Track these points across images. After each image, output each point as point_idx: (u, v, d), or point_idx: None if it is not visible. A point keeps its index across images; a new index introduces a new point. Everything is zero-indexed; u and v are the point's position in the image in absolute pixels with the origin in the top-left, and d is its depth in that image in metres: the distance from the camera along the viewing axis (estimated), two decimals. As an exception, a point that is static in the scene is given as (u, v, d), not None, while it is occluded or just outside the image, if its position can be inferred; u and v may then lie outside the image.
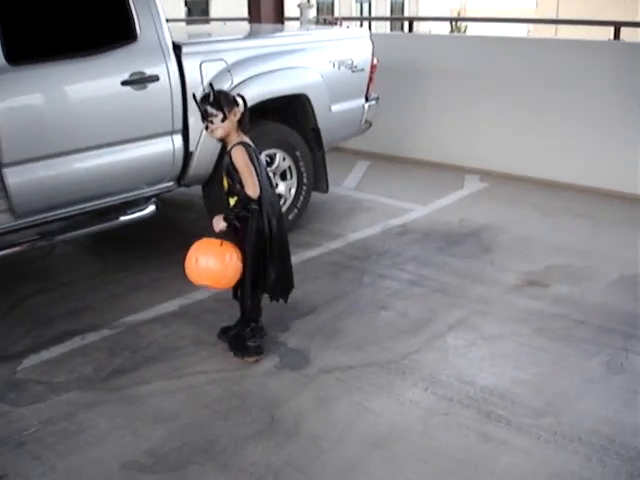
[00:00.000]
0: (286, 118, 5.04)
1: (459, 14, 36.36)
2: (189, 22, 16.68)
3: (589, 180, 6.17)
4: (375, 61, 5.60)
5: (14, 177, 3.69)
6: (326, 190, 5.40)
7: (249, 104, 4.50)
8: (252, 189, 3.33)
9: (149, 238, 5.08)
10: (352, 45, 5.50)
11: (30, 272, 4.59)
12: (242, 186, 3.34)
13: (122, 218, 4.27)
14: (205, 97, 3.35)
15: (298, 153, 5.04)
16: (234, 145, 3.34)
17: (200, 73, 4.38)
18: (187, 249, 3.44)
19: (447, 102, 6.92)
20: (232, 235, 3.43)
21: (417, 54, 7.11)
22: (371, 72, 5.57)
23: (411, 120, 7.18)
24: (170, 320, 3.95)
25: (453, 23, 29.95)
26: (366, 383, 3.31)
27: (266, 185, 3.41)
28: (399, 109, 7.06)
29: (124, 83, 4.01)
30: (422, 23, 26.31)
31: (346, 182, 6.55)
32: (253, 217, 3.38)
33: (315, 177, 5.27)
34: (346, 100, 5.39)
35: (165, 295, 4.22)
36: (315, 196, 5.42)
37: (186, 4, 22.89)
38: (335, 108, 5.26)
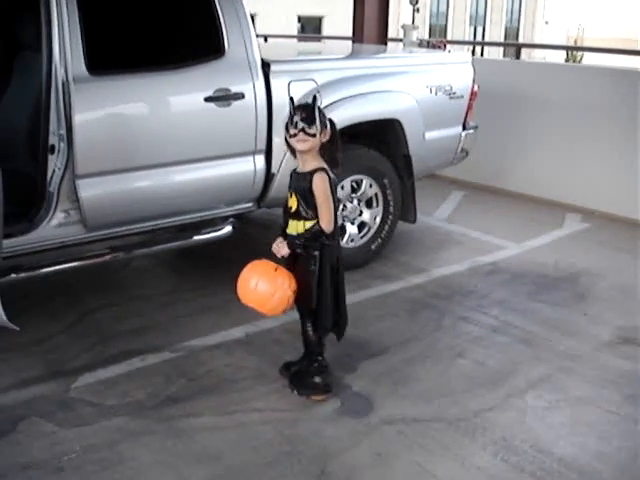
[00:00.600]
0: (376, 143, 4.82)
1: (576, 42, 35.26)
2: (300, 39, 16.79)
3: None
4: (476, 88, 5.31)
5: (88, 189, 3.63)
6: (413, 220, 5.13)
7: (338, 126, 4.46)
8: (327, 223, 3.14)
9: (227, 257, 4.93)
10: (452, 70, 5.23)
11: (102, 284, 4.53)
12: (316, 214, 3.15)
13: (196, 237, 4.15)
14: (303, 106, 3.15)
15: (386, 180, 4.80)
16: (318, 170, 3.13)
17: (288, 92, 4.22)
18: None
19: (551, 134, 6.52)
20: (290, 262, 3.25)
21: (523, 82, 6.75)
22: (471, 99, 5.28)
23: (512, 151, 6.82)
24: (234, 348, 3.78)
25: (569, 52, 28.97)
26: (431, 441, 3.03)
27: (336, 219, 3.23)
28: (500, 138, 6.72)
29: (208, 99, 3.90)
30: (537, 50, 25.62)
31: (438, 212, 6.25)
32: (324, 252, 3.19)
33: (403, 206, 5.02)
34: (442, 127, 5.13)
35: (233, 320, 4.06)
36: (403, 226, 5.18)
37: (299, 20, 23.13)
38: (429, 135, 5.00)
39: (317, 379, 3.33)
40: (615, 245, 5.54)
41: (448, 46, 7.36)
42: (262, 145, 4.20)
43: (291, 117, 3.11)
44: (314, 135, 3.08)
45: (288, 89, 4.23)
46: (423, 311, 4.26)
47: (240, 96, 4.01)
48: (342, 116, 4.36)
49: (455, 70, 5.24)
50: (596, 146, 6.22)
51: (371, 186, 4.79)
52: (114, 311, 4.16)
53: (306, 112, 3.09)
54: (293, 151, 3.21)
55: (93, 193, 3.65)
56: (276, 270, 3.17)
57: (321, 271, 3.20)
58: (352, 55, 5.74)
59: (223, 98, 3.95)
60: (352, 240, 4.79)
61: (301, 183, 3.17)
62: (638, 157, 5.94)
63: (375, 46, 7.00)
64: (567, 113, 6.39)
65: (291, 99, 3.20)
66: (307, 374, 3.36)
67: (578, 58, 28.54)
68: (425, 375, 3.54)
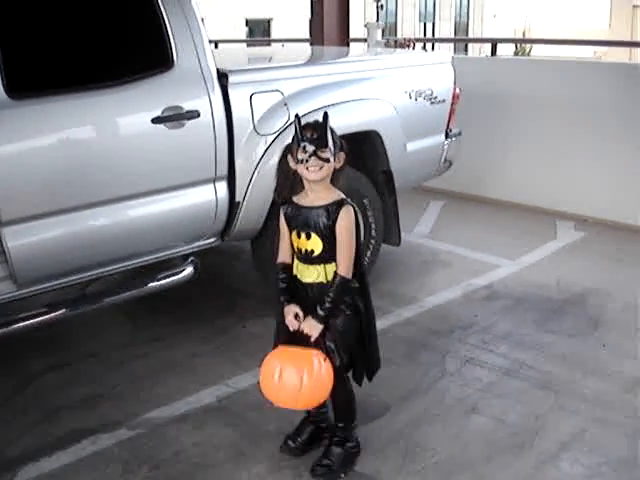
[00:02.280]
0: (353, 159, 4.20)
1: (524, 34, 35.14)
2: (249, 44, 16.11)
3: None
4: (457, 90, 4.76)
5: (15, 238, 2.96)
6: (398, 243, 4.54)
7: None
8: (347, 269, 2.56)
9: (188, 295, 4.28)
10: (431, 72, 4.66)
11: (47, 339, 3.82)
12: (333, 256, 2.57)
13: (151, 285, 3.50)
14: (313, 125, 2.53)
15: (366, 201, 4.19)
16: (344, 203, 2.54)
17: (250, 107, 3.61)
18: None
19: (536, 136, 6.00)
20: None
21: (500, 80, 6.22)
22: (453, 103, 4.72)
23: (493, 155, 6.28)
24: (204, 418, 3.13)
25: (518, 45, 28.68)
26: (459, 537, 2.45)
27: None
28: (479, 142, 6.15)
29: (155, 120, 3.25)
30: (486, 45, 25.24)
31: (418, 227, 5.69)
32: (357, 297, 2.65)
33: (385, 227, 4.43)
34: (424, 137, 4.56)
35: (201, 379, 3.43)
36: (383, 247, 4.58)
37: (247, 24, 22.45)
38: (411, 147, 4.43)
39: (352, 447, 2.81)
40: (616, 257, 5.03)
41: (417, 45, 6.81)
42: (223, 170, 3.57)
43: (298, 139, 2.50)
44: (328, 160, 2.49)
45: (250, 103, 3.62)
46: (421, 353, 3.68)
47: (194, 114, 3.38)
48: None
49: (435, 72, 4.67)
50: (585, 146, 5.71)
51: (349, 208, 4.19)
52: (61, 375, 3.49)
53: (317, 132, 2.48)
54: (291, 184, 2.60)
55: (22, 242, 2.99)
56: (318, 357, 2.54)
57: (365, 308, 2.67)
58: (318, 59, 5.14)
59: (174, 118, 3.31)
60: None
61: (318, 219, 2.54)
62: (630, 156, 5.46)
63: (337, 48, 6.40)
64: (550, 113, 5.87)
65: (297, 117, 2.55)
66: (345, 455, 2.78)
67: (527, 51, 28.38)
68: (437, 441, 2.95)
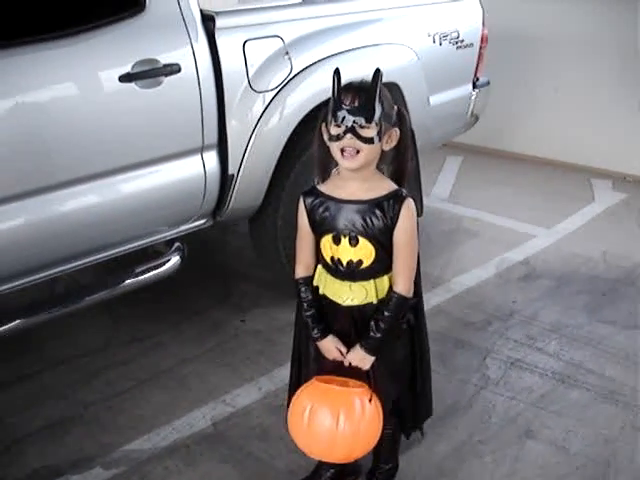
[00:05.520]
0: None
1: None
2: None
3: None
4: (486, 32, 4.04)
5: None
6: (420, 213, 3.85)
7: (314, 101, 3.18)
8: (408, 285, 1.93)
9: (175, 280, 3.63)
10: (457, 11, 3.93)
11: (10, 344, 3.21)
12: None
13: (129, 281, 2.85)
14: (357, 87, 1.82)
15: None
16: (406, 196, 1.88)
17: (244, 58, 2.90)
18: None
19: (566, 82, 5.29)
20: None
21: (529, 19, 5.45)
22: (481, 47, 4.01)
23: (517, 104, 5.57)
24: (197, 451, 2.53)
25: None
26: None
27: None
28: (501, 89, 5.42)
29: (124, 78, 2.54)
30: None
31: (436, 189, 5.03)
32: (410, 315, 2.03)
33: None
34: (450, 88, 3.88)
35: (192, 394, 2.83)
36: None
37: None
38: (435, 99, 3.74)
39: None
40: (668, 221, 4.42)
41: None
42: (212, 137, 2.88)
43: (335, 105, 1.81)
44: (371, 141, 1.79)
45: (243, 52, 2.91)
46: (456, 354, 3.07)
47: (174, 69, 2.67)
48: (320, 87, 3.09)
49: (461, 10, 3.94)
50: (624, 93, 5.01)
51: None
52: (23, 391, 2.87)
53: (361, 98, 1.78)
54: (325, 163, 1.94)
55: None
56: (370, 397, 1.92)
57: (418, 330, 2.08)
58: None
59: (148, 74, 2.60)
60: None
61: (369, 218, 1.87)
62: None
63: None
64: (583, 55, 5.16)
65: (336, 72, 1.83)
66: None
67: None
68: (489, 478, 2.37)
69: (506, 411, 2.70)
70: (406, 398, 2.11)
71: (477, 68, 4.04)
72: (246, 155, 2.99)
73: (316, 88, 3.09)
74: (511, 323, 3.30)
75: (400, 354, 2.02)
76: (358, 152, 1.79)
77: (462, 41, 3.85)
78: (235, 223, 3.54)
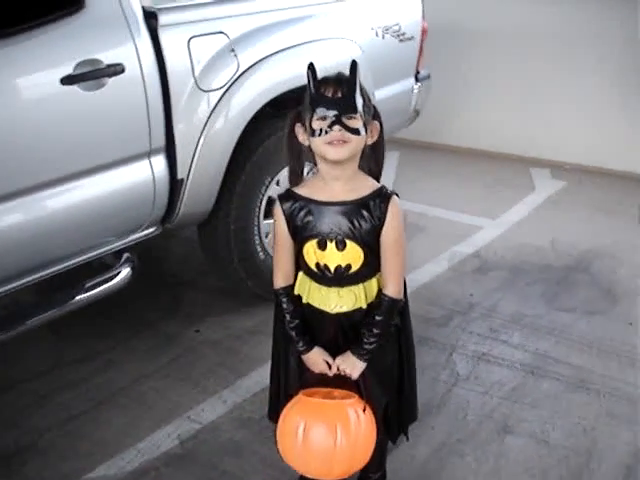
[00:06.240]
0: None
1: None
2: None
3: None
4: (425, 24, 4.01)
5: None
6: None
7: (262, 100, 3.08)
8: (399, 287, 1.84)
9: (126, 293, 3.46)
10: (397, 3, 3.88)
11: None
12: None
13: (78, 297, 2.66)
14: (337, 80, 1.74)
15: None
16: (391, 194, 1.78)
17: (189, 55, 2.76)
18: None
19: (501, 73, 5.34)
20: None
21: (461, 11, 5.47)
22: (422, 40, 3.98)
23: (453, 97, 5.58)
24: (167, 474, 2.36)
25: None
26: None
27: None
28: (437, 83, 5.41)
29: (66, 80, 2.37)
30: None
31: (378, 185, 4.97)
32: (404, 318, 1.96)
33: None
34: (393, 82, 3.82)
35: (154, 413, 2.67)
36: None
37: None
38: (379, 94, 3.66)
39: None
40: (606, 208, 4.50)
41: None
42: (160, 140, 2.73)
43: (314, 100, 1.71)
44: (357, 132, 1.70)
45: (188, 49, 2.77)
46: (422, 352, 2.97)
47: (117, 69, 2.51)
48: (267, 84, 3.02)
49: (401, 3, 3.89)
50: (559, 82, 5.09)
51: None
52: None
53: (342, 90, 1.71)
54: (297, 167, 1.86)
55: None
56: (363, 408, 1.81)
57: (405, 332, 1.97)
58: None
59: (91, 75, 2.43)
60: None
61: (355, 220, 1.76)
62: (616, 94, 4.87)
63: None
64: (518, 46, 5.21)
65: (310, 67, 1.74)
66: None
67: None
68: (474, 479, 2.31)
69: (481, 407, 2.65)
70: (394, 402, 2.02)
71: (418, 61, 4.00)
72: (195, 158, 2.86)
73: (265, 85, 3.00)
74: (472, 317, 3.27)
75: (389, 359, 1.93)
76: (345, 143, 1.69)
77: (404, 34, 3.80)
78: (183, 229, 3.37)
